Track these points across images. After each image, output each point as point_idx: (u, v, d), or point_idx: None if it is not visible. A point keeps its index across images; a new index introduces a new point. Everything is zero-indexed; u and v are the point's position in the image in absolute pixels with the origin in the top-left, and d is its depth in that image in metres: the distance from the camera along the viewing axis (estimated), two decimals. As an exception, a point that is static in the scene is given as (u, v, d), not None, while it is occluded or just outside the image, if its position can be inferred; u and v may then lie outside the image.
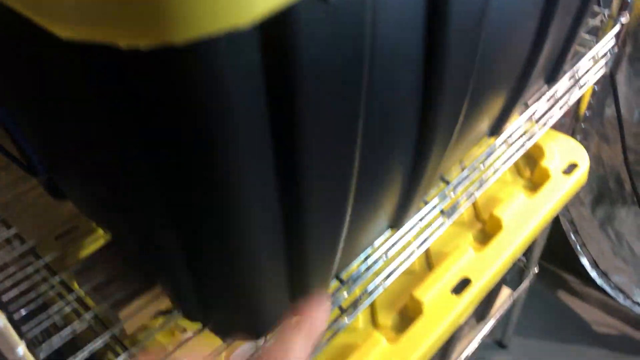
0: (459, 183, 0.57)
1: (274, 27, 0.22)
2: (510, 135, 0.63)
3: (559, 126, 1.10)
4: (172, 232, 0.35)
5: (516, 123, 0.64)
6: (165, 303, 0.49)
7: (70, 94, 0.27)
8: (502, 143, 0.62)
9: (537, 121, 0.67)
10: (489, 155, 0.60)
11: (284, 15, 0.21)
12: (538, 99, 0.66)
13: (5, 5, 0.21)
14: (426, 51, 0.35)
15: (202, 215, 0.32)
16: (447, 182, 0.56)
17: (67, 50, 0.21)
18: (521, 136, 0.65)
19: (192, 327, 0.61)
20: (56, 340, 0.45)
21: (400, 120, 0.38)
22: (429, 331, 0.57)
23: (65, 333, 0.45)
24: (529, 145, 0.66)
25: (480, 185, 0.60)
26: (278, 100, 0.27)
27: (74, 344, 0.61)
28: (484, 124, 0.53)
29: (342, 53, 0.28)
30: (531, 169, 0.78)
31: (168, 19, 0.18)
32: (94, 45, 0.19)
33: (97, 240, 0.61)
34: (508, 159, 0.63)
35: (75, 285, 0.50)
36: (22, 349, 0.23)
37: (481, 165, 0.59)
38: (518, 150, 0.64)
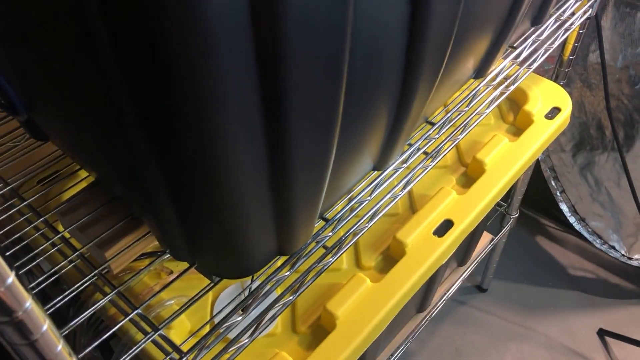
0: (443, 125, 0.57)
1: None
2: (494, 78, 0.63)
3: (542, 72, 1.10)
4: (158, 170, 0.34)
5: (501, 65, 0.64)
6: (152, 245, 0.49)
7: (64, 32, 0.26)
8: (487, 85, 0.62)
9: (521, 64, 0.67)
10: (473, 97, 0.60)
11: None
12: (523, 42, 0.66)
13: None
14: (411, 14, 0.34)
15: (188, 153, 0.32)
16: (432, 124, 0.57)
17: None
18: (505, 79, 0.65)
19: (178, 269, 0.62)
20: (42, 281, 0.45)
21: (385, 58, 0.37)
22: (411, 272, 0.58)
23: (52, 273, 0.46)
24: (512, 87, 0.66)
25: (465, 128, 0.61)
26: (265, 37, 0.27)
27: (60, 287, 0.61)
28: (469, 64, 0.53)
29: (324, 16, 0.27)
30: (514, 113, 0.79)
31: None
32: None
33: (79, 184, 0.60)
34: (492, 102, 0.64)
35: (60, 227, 0.50)
36: (12, 278, 0.23)
37: (465, 107, 0.59)
38: (503, 93, 0.64)
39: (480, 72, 0.58)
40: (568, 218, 1.19)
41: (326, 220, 0.49)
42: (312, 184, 0.40)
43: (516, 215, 1.02)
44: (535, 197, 1.24)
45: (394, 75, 0.40)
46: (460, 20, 0.42)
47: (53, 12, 0.26)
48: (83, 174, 0.61)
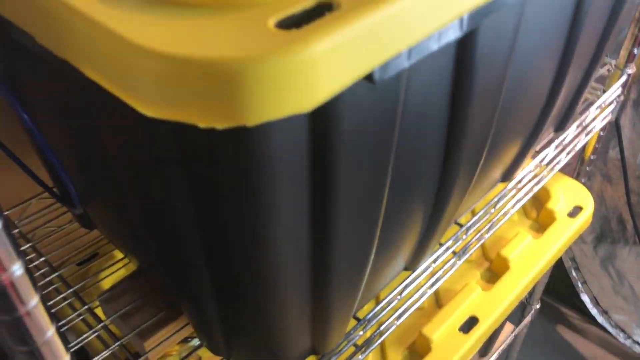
0: (471, 225, 0.59)
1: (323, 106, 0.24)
2: (520, 180, 0.65)
3: (564, 166, 1.13)
4: (207, 273, 0.37)
5: (527, 168, 0.66)
6: (188, 330, 0.51)
7: (130, 149, 0.30)
8: (513, 188, 0.64)
9: (546, 165, 0.69)
10: (500, 199, 0.63)
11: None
12: (547, 145, 0.69)
13: (89, 79, 0.23)
14: (450, 112, 0.37)
15: (236, 253, 0.35)
16: (460, 225, 0.59)
17: (139, 120, 0.23)
18: (530, 180, 0.68)
19: (207, 355, 0.63)
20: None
21: (424, 173, 0.40)
22: (437, 368, 0.59)
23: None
24: (537, 189, 0.68)
25: (490, 227, 0.63)
26: (319, 160, 0.30)
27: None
28: (498, 171, 0.56)
29: (377, 122, 0.30)
30: (537, 210, 0.81)
31: (245, 108, 0.21)
32: (173, 121, 0.22)
33: (118, 268, 0.63)
34: (517, 202, 0.66)
35: (101, 313, 0.52)
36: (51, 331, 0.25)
37: (492, 209, 0.62)
38: (527, 194, 0.67)
39: (507, 176, 0.61)
40: (590, 310, 1.18)
41: (358, 319, 0.50)
42: (349, 288, 0.42)
43: (538, 307, 1.02)
44: (556, 286, 1.24)
45: (430, 185, 0.43)
46: (492, 134, 0.45)
47: (134, 151, 0.29)
48: (119, 254, 0.64)
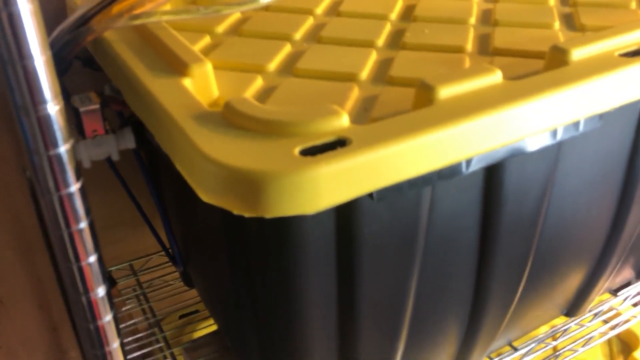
0: (527, 353, 0.61)
1: (344, 208, 0.32)
2: (591, 319, 0.66)
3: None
4: (254, 338, 0.45)
5: (601, 307, 0.67)
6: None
7: (209, 229, 0.40)
8: (579, 323, 0.65)
9: (634, 306, 0.69)
10: (557, 332, 0.64)
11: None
12: (627, 286, 0.69)
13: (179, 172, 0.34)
14: (480, 238, 0.43)
15: (271, 318, 0.42)
16: (515, 349, 0.61)
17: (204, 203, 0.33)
18: (606, 322, 0.68)
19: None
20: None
21: (453, 289, 0.46)
22: None
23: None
24: (612, 333, 0.68)
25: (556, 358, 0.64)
26: (343, 254, 0.37)
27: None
28: (554, 302, 0.58)
29: (398, 234, 0.38)
30: (625, 355, 0.78)
31: (264, 205, 0.29)
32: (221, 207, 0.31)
33: (210, 324, 0.73)
34: (588, 342, 0.66)
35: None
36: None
37: (552, 341, 0.63)
38: (603, 335, 0.67)
39: (572, 310, 0.63)
40: None
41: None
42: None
43: None
44: None
45: (462, 303, 0.48)
46: (533, 262, 0.49)
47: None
48: (214, 318, 0.74)
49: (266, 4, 0.45)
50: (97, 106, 0.43)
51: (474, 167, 0.36)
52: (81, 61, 0.56)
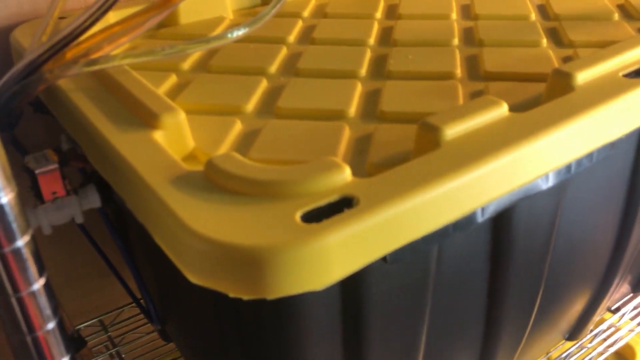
0: (533, 383, 0.58)
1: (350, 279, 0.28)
2: (591, 340, 0.64)
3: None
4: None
5: (599, 327, 0.65)
6: None
7: (194, 303, 0.35)
8: (581, 346, 0.62)
9: (631, 319, 0.67)
10: (567, 357, 0.61)
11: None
12: (625, 304, 0.67)
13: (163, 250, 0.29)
14: (490, 280, 0.40)
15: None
16: (520, 382, 0.58)
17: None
18: (606, 339, 0.66)
19: None
20: None
21: (463, 338, 0.42)
22: None
23: None
24: (612, 350, 0.65)
25: (558, 387, 0.61)
26: (350, 326, 0.33)
27: None
28: (559, 329, 0.56)
29: (407, 288, 0.34)
30: (622, 369, 0.76)
31: (265, 286, 0.25)
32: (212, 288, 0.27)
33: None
34: (589, 362, 0.64)
35: None
36: None
37: (557, 367, 0.60)
38: (600, 354, 0.64)
39: (573, 334, 0.60)
40: None
41: None
42: None
43: None
44: None
45: (473, 347, 0.44)
46: (542, 297, 0.46)
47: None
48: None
49: (235, 38, 0.41)
50: (55, 166, 0.38)
51: (489, 213, 0.32)
52: (32, 106, 0.50)
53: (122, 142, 0.33)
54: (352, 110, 0.41)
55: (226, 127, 0.39)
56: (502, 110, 0.34)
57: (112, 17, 0.48)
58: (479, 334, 0.44)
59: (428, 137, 0.32)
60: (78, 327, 0.66)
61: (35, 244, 0.33)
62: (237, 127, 0.39)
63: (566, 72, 0.38)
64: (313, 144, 0.36)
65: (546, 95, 0.39)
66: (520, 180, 0.32)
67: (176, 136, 0.35)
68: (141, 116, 0.35)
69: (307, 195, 0.28)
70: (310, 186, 0.28)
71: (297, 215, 0.26)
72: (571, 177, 0.36)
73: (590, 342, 0.64)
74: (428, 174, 0.29)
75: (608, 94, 0.36)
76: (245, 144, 0.37)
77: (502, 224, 0.37)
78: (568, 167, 0.35)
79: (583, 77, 0.38)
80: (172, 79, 0.46)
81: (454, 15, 0.58)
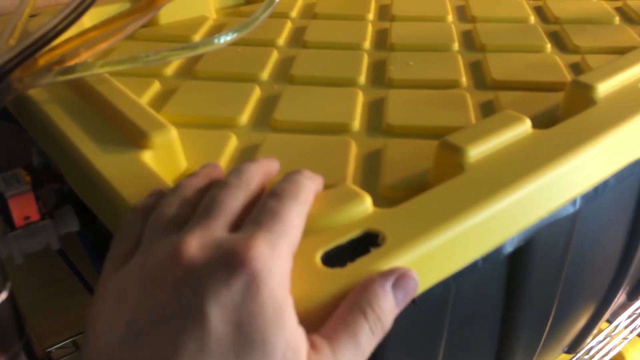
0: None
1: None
2: (588, 352, 0.62)
3: None
4: None
5: (596, 339, 0.63)
6: None
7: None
8: (579, 359, 0.61)
9: (624, 328, 0.66)
10: (565, 371, 0.60)
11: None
12: (619, 313, 0.66)
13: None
14: (503, 309, 0.37)
15: None
16: (520, 398, 0.56)
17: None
18: (600, 350, 0.64)
19: None
20: None
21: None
22: None
23: None
24: (606, 358, 0.64)
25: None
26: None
27: None
28: (562, 345, 0.54)
29: (425, 322, 0.31)
30: (611, 376, 0.76)
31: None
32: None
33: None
34: (585, 373, 0.62)
35: None
36: None
37: (556, 382, 0.59)
38: (597, 364, 0.63)
39: (573, 348, 0.58)
40: None
41: None
42: None
43: None
44: None
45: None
46: (553, 318, 0.44)
47: None
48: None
49: (223, 44, 0.37)
50: (27, 187, 0.33)
51: (517, 243, 0.29)
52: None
53: (107, 165, 0.29)
54: (356, 123, 0.38)
55: (220, 143, 0.35)
56: (525, 127, 0.31)
57: (87, 19, 0.43)
58: (491, 357, 0.41)
59: (450, 158, 0.29)
60: (49, 349, 0.61)
61: None
62: (232, 142, 0.36)
63: (586, 84, 0.35)
64: (318, 162, 0.33)
65: (564, 109, 0.37)
66: (550, 206, 0.29)
67: (167, 156, 0.31)
68: (126, 133, 0.32)
69: (325, 231, 0.24)
70: (329, 219, 0.25)
71: (318, 257, 0.23)
72: (597, 199, 0.33)
73: (587, 354, 0.62)
74: (458, 203, 0.26)
75: (632, 107, 0.34)
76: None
77: (521, 251, 0.34)
78: (595, 189, 0.33)
79: (604, 88, 0.35)
80: (155, 87, 0.42)
81: (450, 18, 0.55)
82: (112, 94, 0.34)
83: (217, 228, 0.22)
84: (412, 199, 0.26)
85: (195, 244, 0.21)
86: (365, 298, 0.21)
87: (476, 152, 0.29)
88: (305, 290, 0.22)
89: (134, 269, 0.21)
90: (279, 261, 0.21)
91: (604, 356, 0.64)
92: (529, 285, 0.37)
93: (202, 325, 0.19)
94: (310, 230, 0.24)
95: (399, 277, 0.22)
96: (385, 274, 0.22)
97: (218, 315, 0.19)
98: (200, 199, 0.24)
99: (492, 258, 0.28)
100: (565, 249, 0.38)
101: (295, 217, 0.22)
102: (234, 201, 0.23)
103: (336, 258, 0.23)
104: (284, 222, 0.22)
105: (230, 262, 0.20)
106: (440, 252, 0.25)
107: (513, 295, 0.37)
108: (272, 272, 0.20)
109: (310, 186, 0.25)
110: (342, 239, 0.24)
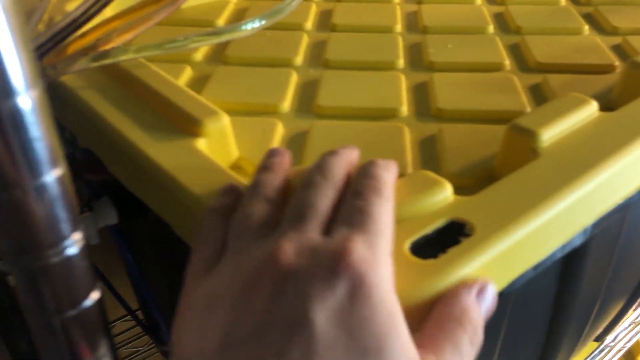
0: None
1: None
2: (613, 339, 0.62)
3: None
4: None
5: (620, 328, 0.63)
6: None
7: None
8: (605, 346, 0.61)
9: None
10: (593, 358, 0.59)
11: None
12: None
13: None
14: (554, 307, 0.36)
15: None
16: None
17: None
18: (624, 337, 0.64)
19: None
20: None
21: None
22: None
23: None
24: (629, 345, 0.64)
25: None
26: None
27: None
28: (594, 336, 0.53)
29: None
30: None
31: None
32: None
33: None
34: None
35: None
36: None
37: (585, 369, 0.58)
38: (619, 351, 0.63)
39: (600, 337, 0.58)
40: None
41: None
42: None
43: None
44: None
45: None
46: (595, 310, 0.43)
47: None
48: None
49: (251, 31, 0.36)
50: (66, 179, 0.32)
51: (593, 231, 0.28)
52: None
53: (162, 154, 0.27)
54: (404, 108, 0.36)
55: (267, 131, 0.33)
56: (592, 109, 0.30)
57: (111, 7, 0.41)
58: (538, 351, 0.40)
59: (521, 142, 0.28)
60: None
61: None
62: (279, 130, 0.34)
63: (646, 65, 0.34)
64: (374, 149, 0.32)
65: (621, 91, 0.35)
66: (622, 193, 0.28)
67: (220, 144, 0.30)
68: (175, 121, 0.30)
69: (408, 220, 0.23)
70: (412, 208, 0.23)
71: (406, 247, 0.22)
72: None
73: (613, 341, 0.62)
74: (542, 190, 0.25)
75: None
76: (294, 150, 0.32)
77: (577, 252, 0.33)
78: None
79: (664, 69, 0.34)
80: (187, 72, 0.41)
81: (478, 0, 0.54)
82: (154, 80, 0.32)
83: (312, 231, 0.20)
84: (491, 186, 0.25)
85: (292, 249, 0.19)
86: (459, 309, 0.20)
87: (549, 135, 0.28)
88: (402, 285, 0.20)
89: (225, 276, 0.20)
90: (382, 263, 0.19)
91: (628, 342, 0.64)
92: (583, 277, 0.36)
93: (309, 330, 0.17)
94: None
95: (482, 288, 0.21)
96: (470, 285, 0.21)
97: (325, 320, 0.17)
98: (284, 198, 0.23)
99: (569, 247, 0.27)
100: (617, 238, 0.37)
101: (384, 215, 0.21)
102: (324, 200, 0.22)
103: (425, 249, 0.22)
104: (377, 222, 0.20)
105: (331, 266, 0.18)
106: (529, 241, 0.23)
107: (566, 291, 0.36)
108: (378, 275, 0.19)
109: (389, 179, 0.23)
110: (428, 229, 0.23)
